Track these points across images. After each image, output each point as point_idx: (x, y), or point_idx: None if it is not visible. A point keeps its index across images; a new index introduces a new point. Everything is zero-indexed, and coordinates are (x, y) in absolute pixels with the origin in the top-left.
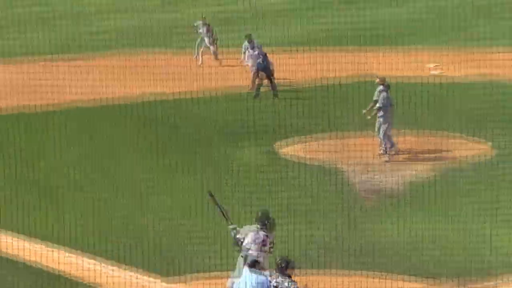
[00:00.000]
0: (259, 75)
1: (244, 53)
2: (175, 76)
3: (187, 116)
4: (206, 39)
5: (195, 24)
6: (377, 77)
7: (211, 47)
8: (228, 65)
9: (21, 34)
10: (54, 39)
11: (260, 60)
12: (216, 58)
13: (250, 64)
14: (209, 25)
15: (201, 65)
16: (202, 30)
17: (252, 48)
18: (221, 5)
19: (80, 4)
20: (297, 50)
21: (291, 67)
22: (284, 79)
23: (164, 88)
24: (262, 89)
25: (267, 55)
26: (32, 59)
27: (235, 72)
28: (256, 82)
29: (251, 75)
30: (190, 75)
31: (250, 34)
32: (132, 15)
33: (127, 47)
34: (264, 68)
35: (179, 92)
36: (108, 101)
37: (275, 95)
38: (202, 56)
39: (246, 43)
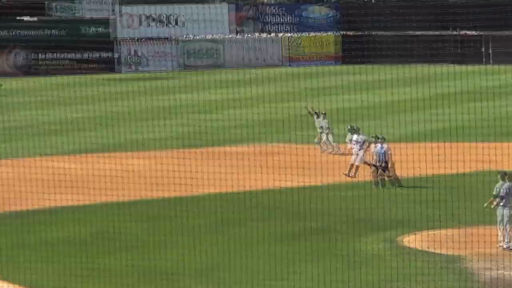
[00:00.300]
0: (378, 167)
1: (350, 141)
2: (298, 165)
3: (310, 203)
4: (325, 130)
5: (312, 110)
6: (500, 172)
7: (329, 137)
8: (348, 154)
9: (153, 127)
10: (182, 131)
11: (380, 151)
12: (330, 148)
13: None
14: (325, 114)
15: (323, 153)
16: (322, 120)
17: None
18: (351, 102)
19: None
20: (420, 142)
21: (414, 158)
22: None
23: (288, 176)
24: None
25: (386, 145)
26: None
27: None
28: (378, 174)
29: (370, 169)
30: (314, 163)
31: (353, 126)
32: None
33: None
34: (382, 161)
35: (304, 180)
36: (233, 189)
37: (398, 185)
38: (325, 146)
39: (351, 134)
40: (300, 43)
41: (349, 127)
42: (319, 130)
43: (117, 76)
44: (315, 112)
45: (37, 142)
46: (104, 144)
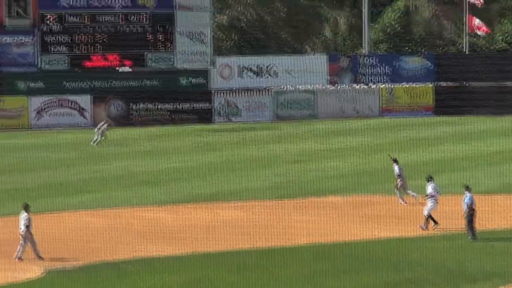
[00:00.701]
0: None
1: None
2: (391, 215)
3: (403, 254)
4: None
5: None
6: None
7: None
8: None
9: (247, 177)
10: (275, 181)
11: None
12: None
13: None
14: (395, 160)
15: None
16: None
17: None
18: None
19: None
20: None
21: (509, 209)
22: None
23: (381, 226)
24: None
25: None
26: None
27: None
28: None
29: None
30: (406, 213)
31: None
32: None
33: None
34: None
35: (396, 230)
36: (326, 239)
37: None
38: (402, 197)
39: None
40: (394, 94)
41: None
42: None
43: (211, 126)
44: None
45: (131, 193)
46: (198, 194)
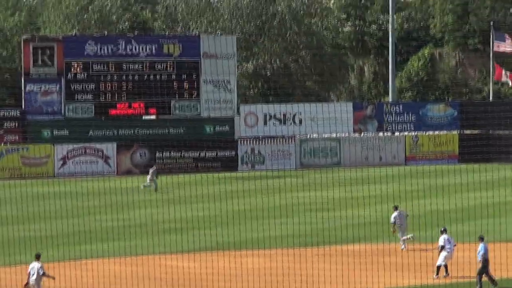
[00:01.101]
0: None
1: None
2: (415, 263)
3: None
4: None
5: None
6: None
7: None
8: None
9: (270, 225)
10: (299, 229)
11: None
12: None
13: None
14: (395, 207)
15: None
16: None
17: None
18: (470, 200)
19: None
20: None
21: None
22: None
23: (405, 274)
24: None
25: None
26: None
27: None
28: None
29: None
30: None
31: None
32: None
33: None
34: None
35: (418, 279)
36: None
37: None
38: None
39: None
40: (419, 142)
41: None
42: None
43: (236, 174)
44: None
45: (155, 241)
46: (222, 242)
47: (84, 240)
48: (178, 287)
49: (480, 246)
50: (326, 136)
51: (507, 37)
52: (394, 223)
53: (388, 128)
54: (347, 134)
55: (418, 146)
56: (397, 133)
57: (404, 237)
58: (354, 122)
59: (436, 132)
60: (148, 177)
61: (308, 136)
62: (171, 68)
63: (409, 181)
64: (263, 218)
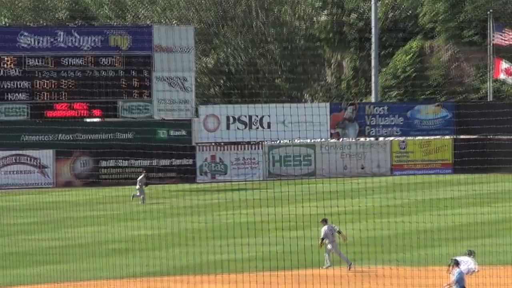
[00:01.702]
0: None
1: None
2: None
3: None
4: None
5: None
6: None
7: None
8: None
9: (233, 246)
10: (267, 251)
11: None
12: None
13: None
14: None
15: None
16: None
17: None
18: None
19: None
20: None
21: None
22: None
23: None
24: None
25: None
26: None
27: None
28: None
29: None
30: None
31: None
32: None
33: None
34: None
35: None
36: None
37: None
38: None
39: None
40: (407, 148)
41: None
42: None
43: (194, 186)
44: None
45: (99, 264)
46: (175, 266)
47: (16, 263)
48: None
49: (455, 271)
50: (298, 142)
51: (506, 30)
52: (323, 239)
53: (371, 133)
54: (323, 140)
55: (405, 154)
56: (381, 139)
57: (327, 258)
58: (331, 126)
59: (427, 138)
60: (136, 186)
61: (278, 142)
62: (119, 64)
63: (394, 195)
64: (225, 238)
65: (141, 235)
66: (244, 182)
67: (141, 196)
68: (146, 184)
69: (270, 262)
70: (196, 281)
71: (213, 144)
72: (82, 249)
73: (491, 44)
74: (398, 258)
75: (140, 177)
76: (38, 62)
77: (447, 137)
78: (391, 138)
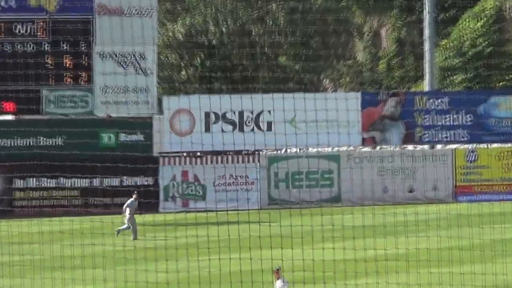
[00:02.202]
0: None
1: None
2: None
3: None
4: None
5: None
6: None
7: None
8: None
9: None
10: None
11: None
12: None
13: None
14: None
15: None
16: None
17: None
18: None
19: None
20: None
21: None
22: None
23: None
24: None
25: None
26: None
27: None
28: None
29: None
30: None
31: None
32: None
33: None
34: None
35: None
36: None
37: None
38: None
39: None
40: (477, 161)
41: None
42: None
43: (156, 219)
44: None
45: None
46: None
47: None
48: None
49: None
50: (313, 151)
51: None
52: None
53: (424, 138)
54: (351, 148)
55: (476, 169)
56: (439, 147)
57: None
58: (363, 127)
59: (508, 145)
60: (126, 215)
61: (284, 151)
62: (43, 33)
63: (460, 232)
64: None
65: None
66: (233, 212)
67: (132, 228)
68: (135, 212)
69: None
70: None
71: (185, 154)
72: None
73: None
74: None
75: (130, 200)
76: None
77: None
78: (454, 146)
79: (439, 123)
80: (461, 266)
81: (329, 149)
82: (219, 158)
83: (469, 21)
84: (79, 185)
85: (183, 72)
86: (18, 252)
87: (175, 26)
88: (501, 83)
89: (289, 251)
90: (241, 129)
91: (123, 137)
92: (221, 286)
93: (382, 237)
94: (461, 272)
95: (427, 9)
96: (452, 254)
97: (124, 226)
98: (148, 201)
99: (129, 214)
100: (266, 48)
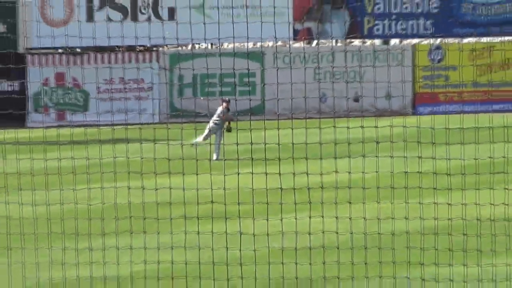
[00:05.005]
0: None
1: None
2: None
3: None
4: None
5: None
6: None
7: None
8: None
9: None
10: None
11: None
12: None
13: None
14: None
15: None
16: None
17: None
18: None
19: None
20: None
21: None
22: None
23: None
24: None
25: None
26: None
27: None
28: None
29: None
30: None
31: None
32: None
33: None
34: None
35: None
36: None
37: None
38: None
39: None
40: (444, 59)
41: None
42: None
43: (18, 133)
44: None
45: None
46: None
47: None
48: None
49: None
50: (229, 47)
51: None
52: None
53: (375, 30)
54: (279, 43)
55: (443, 71)
56: (394, 41)
57: None
58: (295, 16)
59: (484, 39)
60: (209, 125)
61: (189, 48)
62: None
63: (420, 150)
64: (84, 238)
65: None
66: (121, 127)
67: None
68: (229, 127)
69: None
70: None
71: (60, 51)
72: None
73: None
74: (437, 272)
75: (220, 110)
76: None
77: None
78: (415, 41)
79: (395, 11)
80: (430, 196)
81: (250, 45)
82: (105, 56)
83: None
84: None
85: None
86: None
87: None
88: None
89: (193, 177)
90: (134, 18)
91: None
92: (103, 222)
93: (318, 159)
94: (428, 202)
95: None
96: (414, 179)
97: (205, 136)
98: (12, 113)
99: (216, 121)
100: None
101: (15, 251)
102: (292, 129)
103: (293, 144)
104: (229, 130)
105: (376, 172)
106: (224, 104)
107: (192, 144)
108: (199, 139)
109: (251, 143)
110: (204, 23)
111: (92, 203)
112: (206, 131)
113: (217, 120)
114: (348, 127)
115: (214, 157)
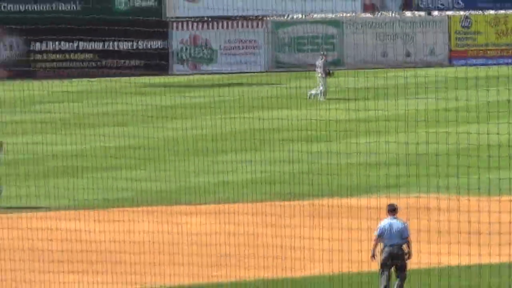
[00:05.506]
0: None
1: None
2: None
3: None
4: None
5: None
6: None
7: None
8: None
9: (221, 165)
10: (269, 171)
11: None
12: None
13: None
14: None
15: None
16: None
17: None
18: None
19: None
20: None
21: None
22: None
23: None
24: None
25: None
26: None
27: None
28: None
29: None
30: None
31: None
32: None
33: None
34: None
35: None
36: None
37: None
38: None
39: None
40: (471, 27)
41: None
42: None
43: (167, 79)
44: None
45: (22, 188)
46: (144, 191)
47: None
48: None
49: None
50: (317, 16)
51: None
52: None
53: (421, 4)
54: (352, 14)
55: (471, 35)
56: (436, 13)
57: None
58: None
59: (503, 12)
60: (319, 74)
61: (287, 17)
62: None
63: (456, 94)
64: (213, 153)
65: (97, 148)
66: (239, 74)
67: (322, 89)
68: (329, 73)
69: (277, 186)
70: (170, 212)
71: (194, 20)
72: (9, 169)
73: None
74: (460, 183)
75: (320, 61)
76: None
77: None
78: (450, 13)
79: None
80: (457, 126)
81: (331, 16)
82: (227, 23)
83: None
84: (94, 48)
85: None
86: (40, 110)
87: None
88: None
89: (292, 111)
90: None
91: (135, 2)
92: (227, 144)
93: (380, 99)
94: (456, 132)
95: None
96: (448, 115)
97: (320, 87)
98: (159, 64)
99: (321, 74)
100: None
101: None
102: (365, 77)
103: (366, 88)
104: (331, 75)
105: (425, 109)
106: (324, 58)
107: (310, 95)
108: (313, 91)
109: (336, 87)
110: (301, 0)
111: (228, 129)
112: (319, 84)
113: (319, 70)
114: (404, 77)
115: (322, 98)
